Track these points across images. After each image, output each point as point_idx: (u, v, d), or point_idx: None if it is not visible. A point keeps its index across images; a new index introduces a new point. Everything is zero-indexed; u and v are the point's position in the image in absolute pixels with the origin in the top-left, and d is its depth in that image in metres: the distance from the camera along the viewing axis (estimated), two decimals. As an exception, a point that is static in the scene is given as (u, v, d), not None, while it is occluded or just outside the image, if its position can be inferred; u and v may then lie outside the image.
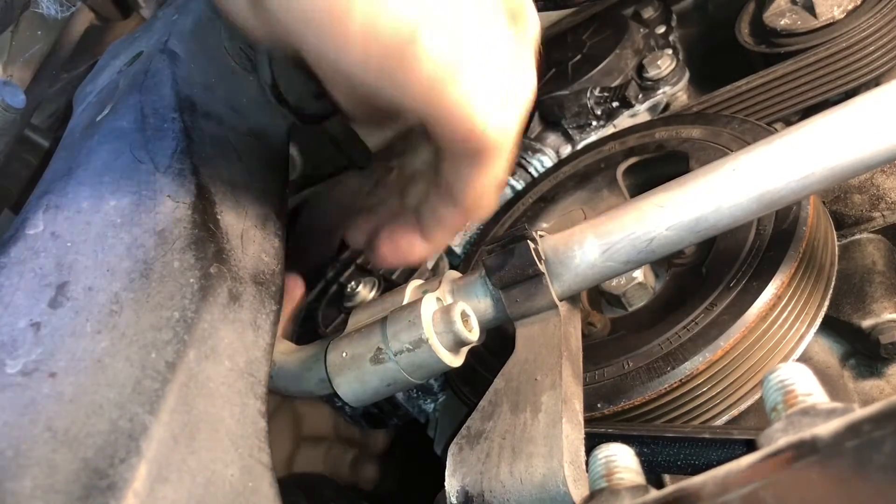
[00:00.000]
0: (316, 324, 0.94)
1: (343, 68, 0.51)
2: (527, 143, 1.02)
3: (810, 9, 0.85)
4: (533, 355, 0.58)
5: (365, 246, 0.73)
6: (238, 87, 0.75)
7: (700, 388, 0.62)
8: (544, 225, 0.87)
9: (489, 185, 0.59)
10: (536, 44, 0.59)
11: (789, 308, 0.62)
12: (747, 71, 0.88)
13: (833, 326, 0.69)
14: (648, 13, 1.07)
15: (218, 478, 0.46)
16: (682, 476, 0.53)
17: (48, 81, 0.94)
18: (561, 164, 0.94)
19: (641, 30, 1.05)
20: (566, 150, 1.02)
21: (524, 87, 0.57)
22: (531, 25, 0.59)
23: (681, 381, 0.61)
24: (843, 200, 0.76)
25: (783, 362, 0.41)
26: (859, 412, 0.28)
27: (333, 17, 0.48)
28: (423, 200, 0.66)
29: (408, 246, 0.67)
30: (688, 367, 0.61)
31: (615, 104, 0.99)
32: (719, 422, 0.62)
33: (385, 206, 0.74)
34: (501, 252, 0.60)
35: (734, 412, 0.62)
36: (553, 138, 1.04)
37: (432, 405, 0.92)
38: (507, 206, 0.93)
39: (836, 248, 0.69)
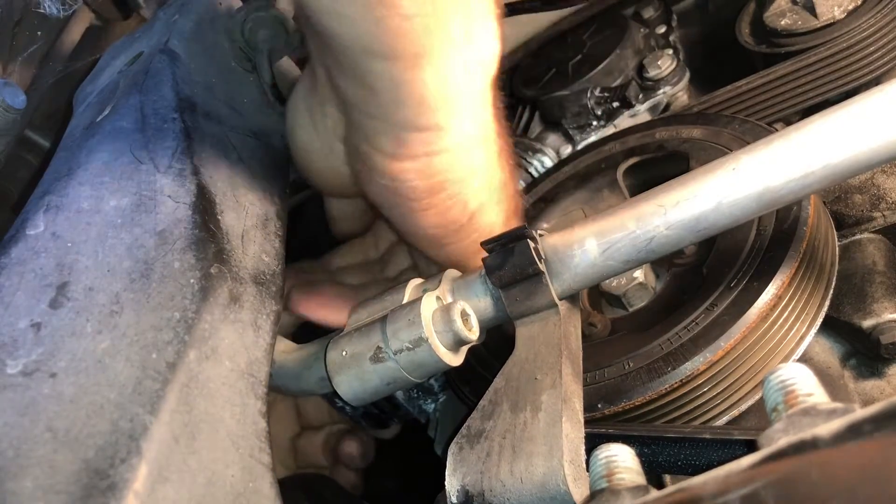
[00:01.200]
0: (315, 323, 0.94)
1: (412, 239, 0.67)
2: (527, 144, 1.02)
3: (811, 9, 0.85)
4: (533, 354, 0.58)
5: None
6: (238, 87, 0.75)
7: (700, 389, 0.61)
8: (545, 225, 0.87)
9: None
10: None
11: (790, 308, 0.62)
12: (748, 71, 0.88)
13: (833, 327, 0.68)
14: (649, 13, 1.07)
15: (218, 478, 0.46)
16: (683, 476, 0.53)
17: (48, 81, 0.94)
18: (561, 164, 0.93)
19: (642, 30, 1.05)
20: (566, 150, 1.02)
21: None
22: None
23: (681, 381, 0.61)
24: (843, 200, 0.76)
25: (784, 363, 0.41)
26: (860, 412, 0.28)
27: (415, 221, 0.63)
28: (401, 276, 0.76)
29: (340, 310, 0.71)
30: (688, 367, 0.61)
31: (615, 104, 0.99)
32: (720, 422, 0.62)
33: (356, 271, 0.81)
34: (501, 251, 0.60)
35: (735, 412, 0.62)
36: (553, 138, 1.04)
37: (433, 405, 0.92)
38: (507, 206, 0.93)
39: (837, 248, 0.69)
